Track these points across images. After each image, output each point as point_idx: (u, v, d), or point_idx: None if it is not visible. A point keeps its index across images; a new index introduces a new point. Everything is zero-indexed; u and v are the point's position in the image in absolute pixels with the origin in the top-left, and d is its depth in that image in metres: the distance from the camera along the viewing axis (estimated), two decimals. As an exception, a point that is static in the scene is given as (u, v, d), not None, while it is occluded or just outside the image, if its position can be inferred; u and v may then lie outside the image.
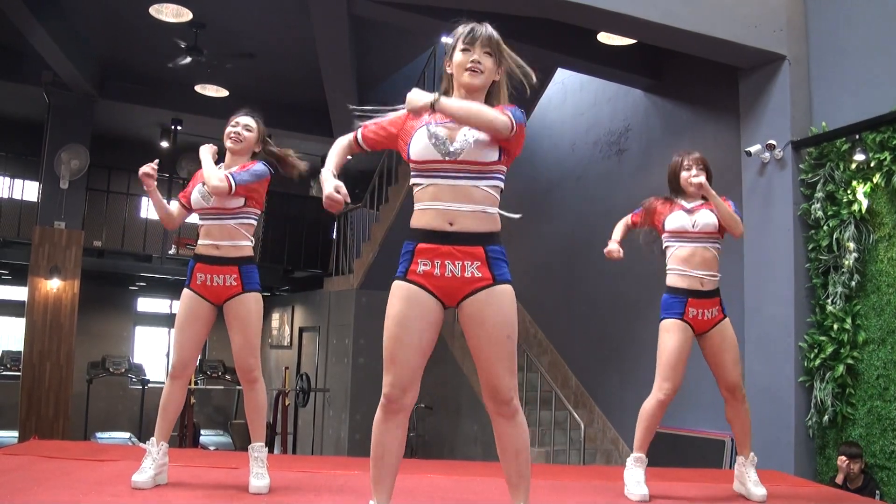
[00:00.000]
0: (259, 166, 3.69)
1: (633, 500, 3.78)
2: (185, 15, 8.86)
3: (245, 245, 3.67)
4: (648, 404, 3.91)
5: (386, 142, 2.85)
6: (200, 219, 3.69)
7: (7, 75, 10.44)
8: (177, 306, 13.96)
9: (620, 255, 4.09)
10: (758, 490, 3.84)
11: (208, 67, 9.83)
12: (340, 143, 2.91)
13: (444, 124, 2.69)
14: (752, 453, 3.96)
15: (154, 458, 3.50)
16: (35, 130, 11.48)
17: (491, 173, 2.68)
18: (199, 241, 3.66)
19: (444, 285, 2.65)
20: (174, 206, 3.83)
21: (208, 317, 3.64)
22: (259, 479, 3.49)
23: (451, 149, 2.65)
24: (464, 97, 2.74)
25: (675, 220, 3.99)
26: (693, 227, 3.94)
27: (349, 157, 2.92)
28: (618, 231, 4.23)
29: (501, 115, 2.65)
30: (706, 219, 3.95)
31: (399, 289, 2.71)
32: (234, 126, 3.74)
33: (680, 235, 3.97)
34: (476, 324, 2.66)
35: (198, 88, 11.30)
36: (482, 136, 2.66)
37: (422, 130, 2.70)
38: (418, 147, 2.68)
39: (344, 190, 2.66)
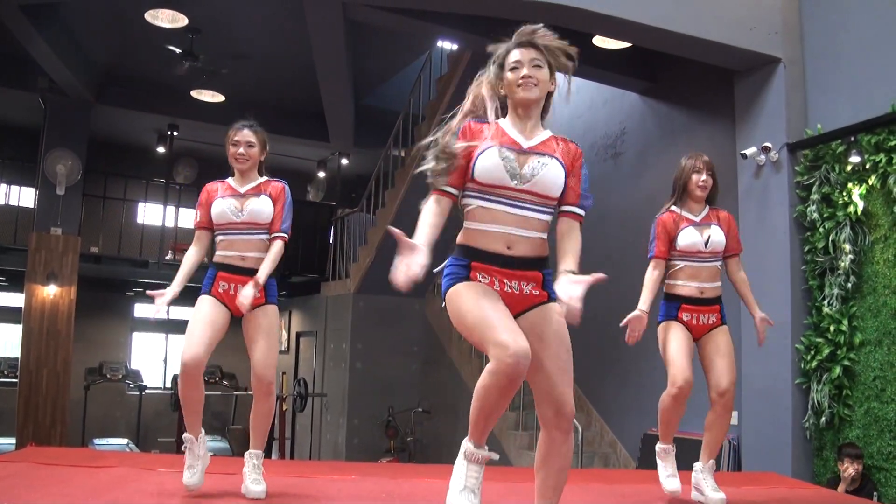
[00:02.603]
0: (288, 192, 3.76)
1: (665, 491, 3.86)
2: (181, 20, 8.86)
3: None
4: (662, 398, 3.92)
5: (464, 170, 2.66)
6: (223, 234, 3.65)
7: (3, 81, 10.43)
8: (174, 312, 13.85)
9: (643, 328, 3.85)
10: (717, 495, 3.79)
11: (204, 73, 9.84)
12: (429, 209, 2.63)
13: (512, 150, 2.63)
14: (712, 461, 3.92)
15: (197, 454, 3.50)
16: (31, 136, 11.48)
17: (551, 206, 2.68)
18: (221, 252, 3.63)
19: (503, 297, 2.62)
20: (198, 241, 3.72)
21: (225, 322, 3.60)
22: (256, 484, 3.48)
23: (522, 172, 2.60)
24: (521, 115, 2.70)
25: (687, 237, 3.92)
26: (706, 246, 3.91)
27: (441, 220, 2.65)
28: (648, 292, 3.95)
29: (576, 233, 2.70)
30: (717, 237, 3.93)
31: (469, 284, 2.60)
32: (236, 146, 3.69)
33: (692, 255, 3.92)
34: (535, 338, 2.59)
35: (194, 94, 11.31)
36: (554, 170, 2.63)
37: (492, 151, 2.61)
38: (487, 165, 2.60)
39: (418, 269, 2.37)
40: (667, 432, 3.98)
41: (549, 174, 2.62)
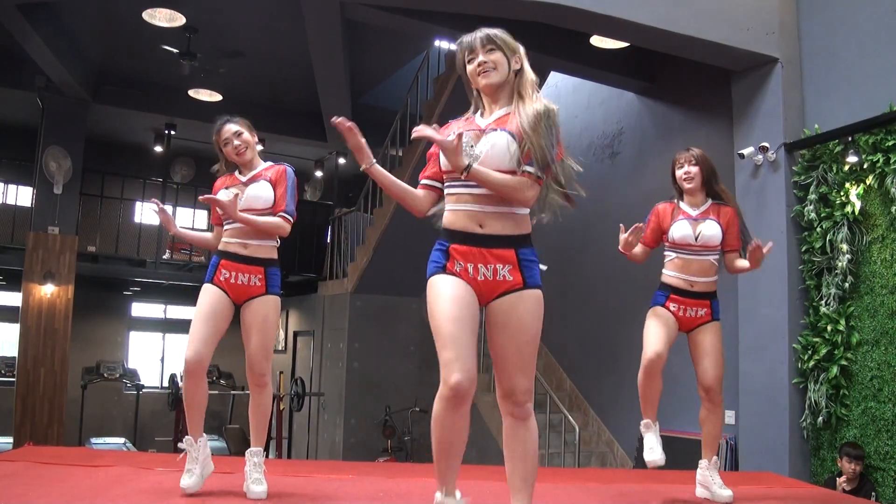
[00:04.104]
0: (290, 174, 3.74)
1: (646, 462, 3.89)
2: (179, 20, 8.85)
3: (272, 245, 3.68)
4: (639, 373, 3.93)
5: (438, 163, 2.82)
6: (227, 222, 3.64)
7: (1, 80, 10.42)
8: (171, 311, 13.85)
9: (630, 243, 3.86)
10: (724, 492, 3.84)
11: (201, 72, 9.83)
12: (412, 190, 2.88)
13: (472, 132, 2.73)
14: (715, 457, 3.95)
15: (195, 456, 3.48)
16: (29, 135, 11.46)
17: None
18: (225, 240, 3.62)
19: (478, 286, 2.66)
20: (213, 232, 3.75)
21: (228, 313, 3.58)
22: (258, 484, 3.46)
23: (475, 153, 2.67)
24: (490, 103, 2.80)
25: (679, 229, 3.92)
26: (696, 240, 3.90)
27: (409, 198, 2.86)
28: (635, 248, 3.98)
29: (520, 180, 2.64)
30: (710, 231, 3.90)
31: (444, 279, 2.67)
32: (227, 143, 3.68)
33: (682, 248, 3.93)
34: (500, 324, 2.67)
35: (191, 93, 11.29)
36: (500, 142, 2.66)
37: (451, 139, 2.66)
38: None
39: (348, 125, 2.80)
40: (645, 406, 3.99)
41: (495, 148, 2.66)
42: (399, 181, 2.84)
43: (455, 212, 2.70)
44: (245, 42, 9.70)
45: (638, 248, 4.02)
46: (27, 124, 11.80)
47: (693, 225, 3.93)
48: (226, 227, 3.67)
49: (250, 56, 9.82)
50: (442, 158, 2.72)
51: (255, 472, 3.50)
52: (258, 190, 3.63)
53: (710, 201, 4.01)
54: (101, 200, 13.15)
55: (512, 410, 2.69)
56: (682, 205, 4.02)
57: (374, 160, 2.81)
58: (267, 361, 3.58)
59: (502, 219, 2.67)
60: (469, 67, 2.78)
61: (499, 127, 2.70)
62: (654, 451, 3.89)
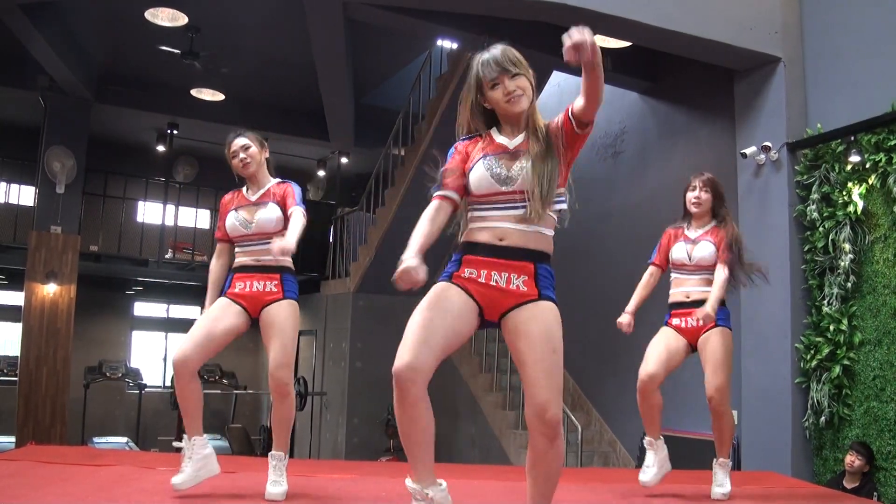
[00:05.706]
0: (295, 186, 3.74)
1: (640, 481, 4.01)
2: (181, 19, 8.86)
3: (285, 258, 3.64)
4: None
5: (462, 180, 2.72)
6: (238, 245, 3.67)
7: (3, 80, 10.42)
8: (174, 310, 13.81)
9: (630, 328, 4.15)
10: (717, 490, 3.97)
11: (204, 71, 9.84)
12: (425, 215, 2.68)
13: (500, 155, 2.65)
14: (722, 458, 4.05)
15: (189, 456, 3.46)
16: (31, 135, 11.45)
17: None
18: (238, 259, 3.67)
19: (486, 294, 2.61)
20: (219, 254, 3.76)
21: (233, 322, 3.55)
22: (274, 486, 3.47)
23: (510, 175, 2.61)
24: (513, 122, 2.70)
25: (677, 251, 4.16)
26: (690, 260, 4.10)
27: (440, 227, 2.70)
28: (636, 296, 4.24)
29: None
30: (702, 251, 4.07)
31: (439, 286, 2.62)
32: (235, 156, 3.69)
33: (679, 268, 4.16)
34: (520, 336, 2.59)
35: (193, 92, 11.29)
36: (529, 166, 2.61)
37: (479, 164, 2.65)
38: (476, 179, 2.64)
39: (420, 273, 2.44)
40: (645, 423, 4.13)
41: (526, 170, 2.61)
42: (427, 233, 2.63)
43: (479, 228, 2.64)
44: (247, 41, 9.71)
45: (652, 274, 4.30)
46: (30, 124, 11.79)
47: (689, 246, 4.12)
48: (237, 250, 3.69)
49: (253, 55, 9.82)
50: (475, 179, 2.64)
51: (273, 474, 3.52)
52: (268, 214, 3.65)
53: (712, 223, 4.18)
54: (104, 200, 13.17)
55: (541, 428, 2.55)
56: (688, 228, 4.20)
57: (414, 256, 2.50)
58: (288, 369, 3.55)
59: (525, 236, 2.61)
60: (493, 93, 2.64)
61: (526, 149, 2.65)
62: (647, 472, 4.02)
